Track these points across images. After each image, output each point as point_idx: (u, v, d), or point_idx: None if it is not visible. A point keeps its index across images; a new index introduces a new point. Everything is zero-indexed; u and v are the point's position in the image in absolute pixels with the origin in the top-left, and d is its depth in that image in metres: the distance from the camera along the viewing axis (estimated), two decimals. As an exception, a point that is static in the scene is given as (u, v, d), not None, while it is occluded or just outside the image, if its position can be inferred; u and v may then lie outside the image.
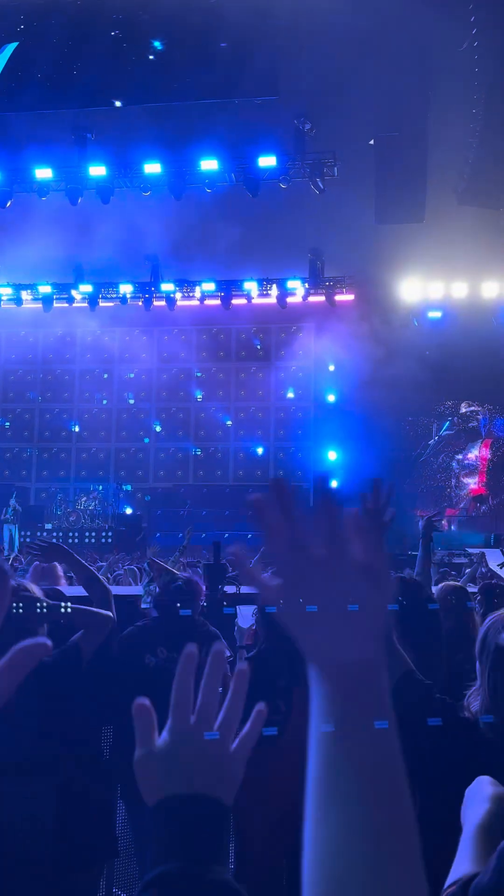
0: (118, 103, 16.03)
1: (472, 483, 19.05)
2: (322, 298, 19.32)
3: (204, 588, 3.77)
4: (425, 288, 18.65)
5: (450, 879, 1.29)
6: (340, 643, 0.76)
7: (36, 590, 2.92)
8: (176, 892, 0.86)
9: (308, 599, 0.76)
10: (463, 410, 19.13)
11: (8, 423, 22.09)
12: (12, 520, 16.68)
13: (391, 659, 1.98)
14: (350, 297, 19.31)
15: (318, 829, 0.73)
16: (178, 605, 3.58)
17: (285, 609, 0.77)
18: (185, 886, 0.86)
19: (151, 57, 15.34)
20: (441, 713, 1.98)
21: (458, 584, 4.22)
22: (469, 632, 3.76)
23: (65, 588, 3.94)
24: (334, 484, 0.80)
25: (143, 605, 4.10)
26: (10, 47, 15.65)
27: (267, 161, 16.09)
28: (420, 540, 4.63)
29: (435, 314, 18.78)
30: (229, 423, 21.23)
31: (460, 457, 19.19)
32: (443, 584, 4.12)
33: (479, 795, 1.47)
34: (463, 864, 1.32)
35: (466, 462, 19.14)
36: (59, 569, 5.46)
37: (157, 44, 15.28)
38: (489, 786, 1.50)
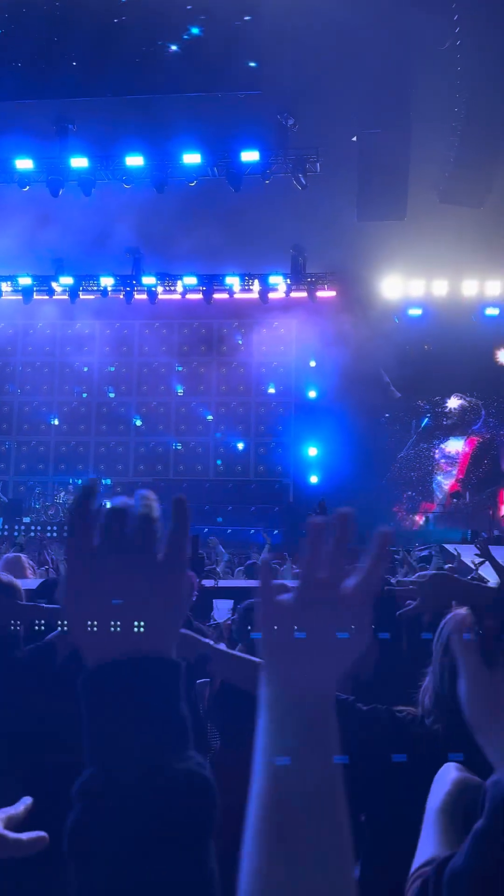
0: (101, 95, 15.90)
1: (451, 478, 19.22)
2: (304, 294, 19.35)
3: (197, 581, 3.76)
4: (406, 285, 18.75)
5: (416, 862, 1.32)
6: (315, 674, 0.79)
7: (20, 584, 2.92)
8: (128, 793, 0.69)
9: (306, 625, 0.79)
10: (452, 405, 19.26)
11: (-14, 416, 21.92)
12: None
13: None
14: (332, 293, 19.37)
15: (265, 860, 0.72)
16: None
17: (279, 634, 0.80)
18: (142, 784, 0.70)
19: (134, 49, 15.24)
20: (373, 722, 1.96)
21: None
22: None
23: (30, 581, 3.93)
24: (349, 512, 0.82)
25: None
26: (-8, 36, 15.47)
27: (249, 156, 16.05)
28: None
29: (415, 311, 18.89)
30: (210, 417, 21.22)
31: (439, 453, 19.35)
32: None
33: (442, 779, 1.51)
34: (427, 847, 1.35)
35: (446, 455, 19.30)
36: (25, 560, 5.43)
37: (140, 36, 15.18)
38: (454, 770, 1.53)
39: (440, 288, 18.53)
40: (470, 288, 18.49)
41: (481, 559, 5.96)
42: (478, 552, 5.44)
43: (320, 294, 19.33)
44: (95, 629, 0.76)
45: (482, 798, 1.26)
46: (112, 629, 0.76)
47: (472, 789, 1.48)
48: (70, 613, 0.79)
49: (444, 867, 1.21)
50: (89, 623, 0.76)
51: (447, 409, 19.35)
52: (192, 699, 3.46)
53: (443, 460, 19.36)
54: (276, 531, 16.64)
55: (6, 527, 16.05)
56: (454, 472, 19.26)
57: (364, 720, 1.96)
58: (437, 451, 19.37)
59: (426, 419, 19.41)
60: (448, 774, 1.52)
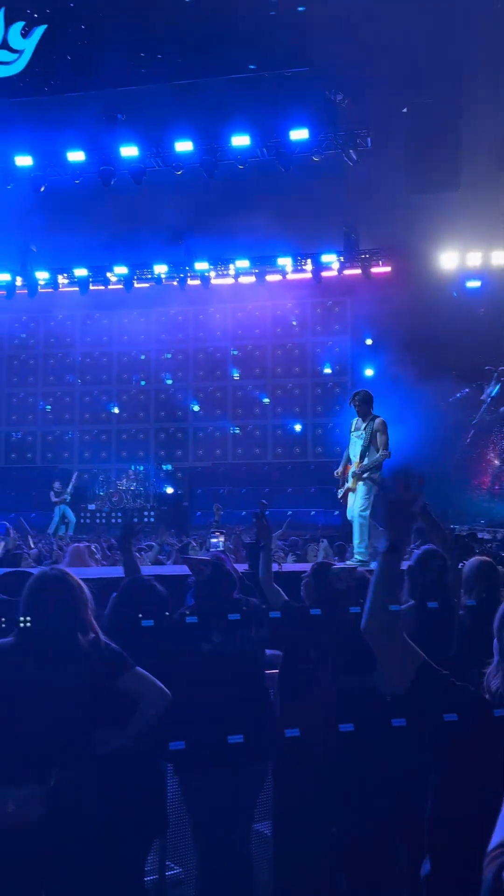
0: (147, 83, 15.90)
1: None
2: (358, 272, 19.09)
3: (230, 565, 3.71)
4: (463, 257, 18.28)
5: (495, 840, 1.27)
6: None
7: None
8: None
9: None
10: None
11: (49, 407, 22.39)
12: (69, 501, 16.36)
13: (403, 653, 1.94)
14: (386, 269, 19.05)
15: None
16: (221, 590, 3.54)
17: None
18: None
19: (179, 33, 15.16)
20: (458, 699, 1.89)
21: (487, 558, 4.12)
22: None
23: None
24: None
25: None
26: (40, 30, 15.62)
27: (298, 134, 15.85)
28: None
29: (474, 283, 18.41)
30: (266, 400, 21.21)
31: None
32: (473, 558, 4.05)
33: None
34: None
35: None
36: (88, 548, 5.49)
37: (184, 19, 15.09)
38: None
39: (499, 258, 18.04)
40: (530, 257, 17.94)
41: None
42: None
43: (374, 270, 19.04)
44: None
45: None
46: None
47: None
48: None
49: None
50: None
51: None
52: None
53: None
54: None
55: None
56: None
57: (458, 697, 1.90)
58: None
59: (498, 385, 18.71)
60: None
